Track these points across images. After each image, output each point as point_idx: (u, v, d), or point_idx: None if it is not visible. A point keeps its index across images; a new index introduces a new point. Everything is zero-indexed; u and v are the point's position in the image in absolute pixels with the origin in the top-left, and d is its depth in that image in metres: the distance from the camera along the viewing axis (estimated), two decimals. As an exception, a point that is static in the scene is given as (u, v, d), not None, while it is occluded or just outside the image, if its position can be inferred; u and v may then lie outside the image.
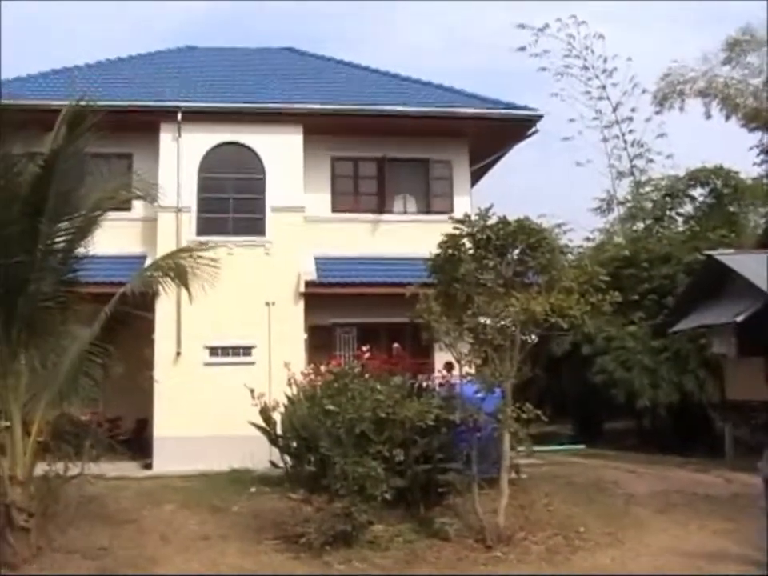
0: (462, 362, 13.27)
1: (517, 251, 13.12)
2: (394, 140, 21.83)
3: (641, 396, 21.78)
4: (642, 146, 35.23)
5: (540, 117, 22.07)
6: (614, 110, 35.63)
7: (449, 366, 15.01)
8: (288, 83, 23.45)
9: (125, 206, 16.44)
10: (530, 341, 13.48)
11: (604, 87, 35.83)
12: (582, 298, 12.68)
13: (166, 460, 18.48)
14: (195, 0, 66.94)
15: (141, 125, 20.44)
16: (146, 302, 13.46)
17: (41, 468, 12.57)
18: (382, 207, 22.13)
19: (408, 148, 22.11)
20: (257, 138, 21.11)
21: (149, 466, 18.92)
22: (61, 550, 12.01)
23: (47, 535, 12.17)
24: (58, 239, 12.47)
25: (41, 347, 12.22)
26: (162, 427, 19.17)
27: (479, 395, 12.95)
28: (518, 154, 23.97)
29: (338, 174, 22.41)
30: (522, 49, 36.03)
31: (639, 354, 22.48)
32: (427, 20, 73.18)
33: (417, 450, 13.61)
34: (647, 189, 31.51)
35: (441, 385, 15.59)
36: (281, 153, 21.10)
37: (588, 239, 31.86)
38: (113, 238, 14.65)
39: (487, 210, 13.28)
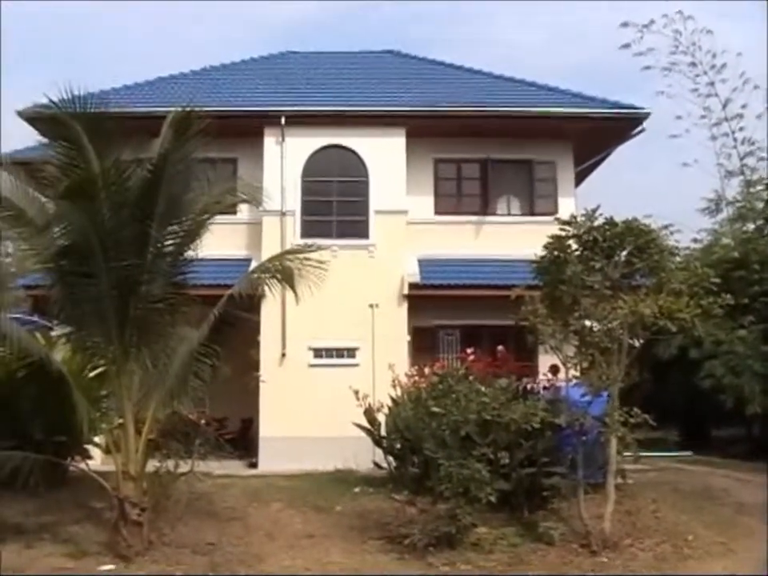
0: (568, 364, 13.13)
1: (624, 253, 12.91)
2: (496, 141, 21.74)
3: (750, 402, 21.10)
4: (752, 143, 34.06)
5: (647, 115, 21.63)
6: (724, 107, 34.60)
7: (554, 369, 14.84)
8: (390, 86, 23.58)
9: (230, 209, 16.65)
10: (636, 344, 13.24)
11: (713, 84, 34.81)
12: (691, 300, 12.40)
13: (271, 459, 18.76)
14: (297, 2, 67.83)
15: (245, 130, 20.78)
16: (252, 303, 13.63)
17: (152, 465, 12.91)
18: (485, 209, 22.07)
19: (511, 149, 22.00)
20: (360, 141, 21.26)
21: (254, 465, 19.23)
22: (171, 545, 12.33)
23: (158, 530, 12.53)
24: (167, 242, 12.74)
25: (152, 347, 12.53)
26: (267, 427, 19.48)
27: (585, 399, 12.79)
28: (622, 154, 23.58)
29: (440, 176, 22.44)
30: (627, 46, 35.36)
31: (749, 358, 21.77)
32: (528, 19, 72.65)
33: (521, 453, 13.50)
34: (758, 188, 30.49)
35: (546, 388, 15.44)
36: (384, 155, 21.20)
37: (695, 240, 31.01)
38: (219, 241, 14.81)
39: (594, 210, 13.11)
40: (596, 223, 12.99)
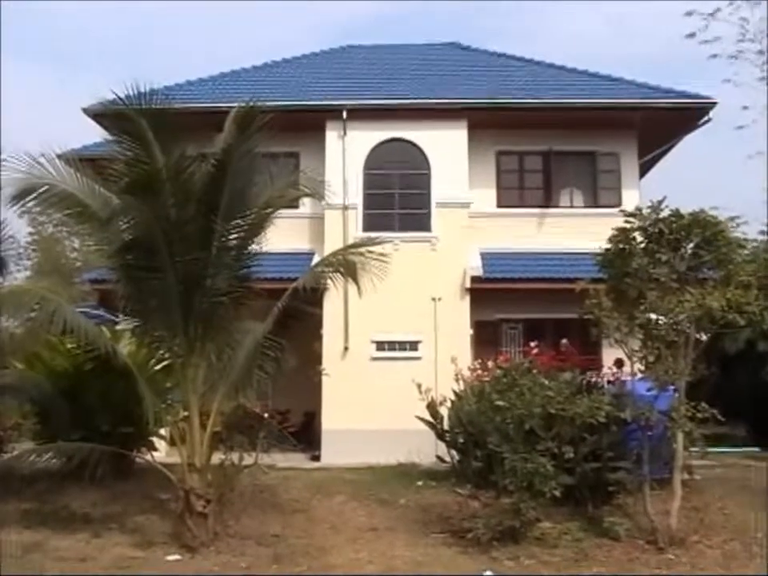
0: (633, 358, 12.95)
1: (691, 245, 12.68)
2: (559, 133, 21.54)
3: (820, 398, 20.71)
4: (822, 134, 33.48)
5: (713, 105, 21.18)
6: (793, 96, 33.95)
7: (619, 363, 14.66)
8: (452, 78, 23.42)
9: (293, 203, 16.70)
10: (703, 338, 13.02)
11: (781, 72, 34.18)
12: (759, 293, 12.15)
13: (334, 452, 18.85)
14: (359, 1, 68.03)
15: (307, 124, 20.85)
16: (315, 297, 13.69)
17: (217, 457, 13.03)
18: (548, 201, 21.90)
19: (574, 141, 21.80)
20: (421, 134, 21.22)
21: (317, 458, 19.31)
22: (236, 536, 12.44)
23: (223, 521, 12.64)
24: (231, 236, 12.80)
25: (216, 341, 12.63)
26: (330, 420, 19.56)
27: (651, 393, 12.60)
28: (687, 145, 23.15)
29: (503, 169, 22.32)
30: (692, 36, 34.76)
31: (819, 353, 21.36)
32: (591, 7, 71.86)
33: (586, 448, 13.37)
34: (828, 178, 29.94)
35: (610, 382, 15.25)
36: (445, 148, 21.14)
37: (763, 233, 30.48)
38: (281, 235, 14.87)
39: (659, 202, 12.88)
40: (662, 215, 12.75)
